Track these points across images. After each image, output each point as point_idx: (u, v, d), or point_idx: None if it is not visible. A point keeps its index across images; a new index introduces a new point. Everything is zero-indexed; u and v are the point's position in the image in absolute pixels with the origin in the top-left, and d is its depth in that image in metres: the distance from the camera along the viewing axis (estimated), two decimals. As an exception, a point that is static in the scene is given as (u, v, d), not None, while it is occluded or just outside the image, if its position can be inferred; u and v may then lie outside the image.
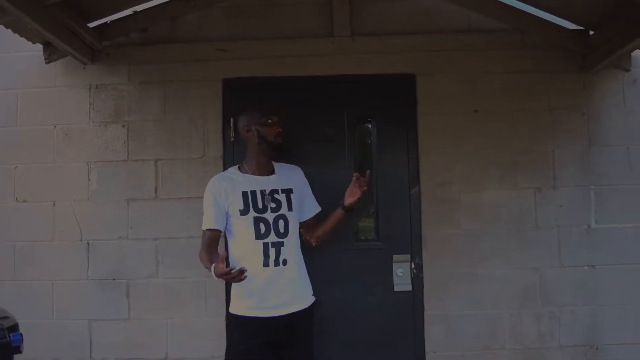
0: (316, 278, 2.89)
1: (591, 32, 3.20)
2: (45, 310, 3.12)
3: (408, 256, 3.18)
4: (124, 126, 3.23)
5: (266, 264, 2.61)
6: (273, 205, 2.67)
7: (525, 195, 3.20)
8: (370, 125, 3.31)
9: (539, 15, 3.19)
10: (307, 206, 2.86)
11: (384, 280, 3.18)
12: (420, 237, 3.19)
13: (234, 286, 2.66)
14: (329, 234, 2.90)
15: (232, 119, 3.15)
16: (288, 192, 2.74)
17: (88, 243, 3.17)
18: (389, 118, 3.26)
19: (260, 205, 2.66)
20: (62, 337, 3.11)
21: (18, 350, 2.12)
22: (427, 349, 3.15)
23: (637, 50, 3.09)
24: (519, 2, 3.14)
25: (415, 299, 3.17)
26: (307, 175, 2.96)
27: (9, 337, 2.07)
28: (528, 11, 3.18)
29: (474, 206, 3.19)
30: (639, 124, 3.25)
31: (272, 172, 2.78)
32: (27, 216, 3.19)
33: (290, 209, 2.71)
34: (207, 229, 2.69)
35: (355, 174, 2.79)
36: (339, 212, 2.84)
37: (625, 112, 3.26)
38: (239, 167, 2.78)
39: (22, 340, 2.12)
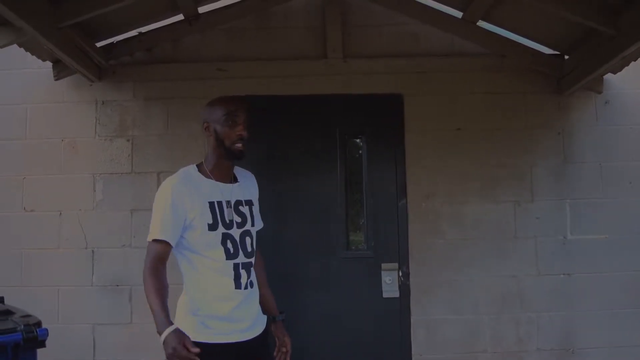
0: (308, 285, 3.06)
1: (566, 57, 3.43)
2: (51, 315, 3.20)
3: (396, 264, 3.36)
4: (128, 140, 3.40)
5: (238, 287, 2.19)
6: (238, 219, 2.23)
7: (505, 208, 3.39)
8: (360, 142, 3.51)
9: (518, 41, 3.42)
10: (256, 220, 2.39)
11: (373, 288, 3.35)
12: (407, 246, 3.37)
13: (190, 308, 2.20)
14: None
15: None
16: (250, 204, 2.32)
17: (93, 251, 3.32)
18: (378, 135, 3.46)
19: (227, 219, 2.20)
20: (67, 341, 3.22)
21: (43, 344, 2.29)
22: (413, 351, 3.32)
23: (609, 73, 3.30)
24: (498, 28, 3.38)
25: (402, 305, 3.35)
26: (302, 187, 3.14)
27: (36, 332, 2.25)
28: (507, 37, 3.41)
29: (457, 218, 3.39)
30: (610, 142, 3.46)
31: (235, 179, 2.32)
32: (34, 225, 3.34)
33: (253, 223, 2.30)
34: (159, 240, 2.12)
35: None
36: (272, 309, 2.43)
37: (597, 131, 3.47)
38: (197, 167, 2.27)
39: (47, 335, 2.29)
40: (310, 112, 3.44)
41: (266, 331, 2.35)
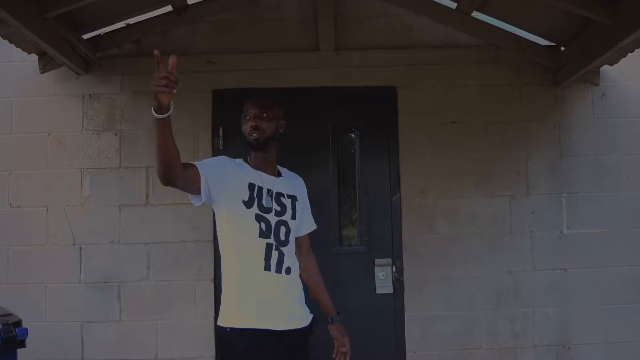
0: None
1: (562, 48, 3.37)
2: (38, 313, 3.18)
3: (389, 260, 3.32)
4: (116, 134, 3.34)
5: (267, 268, 2.19)
6: (278, 208, 2.30)
7: (500, 202, 3.35)
8: (353, 135, 3.46)
9: (513, 32, 3.36)
10: (305, 221, 2.47)
11: (366, 283, 3.31)
12: (401, 241, 3.33)
13: (229, 296, 2.21)
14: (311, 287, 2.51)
15: (221, 128, 3.29)
16: (293, 198, 2.39)
17: (81, 247, 3.26)
18: (372, 128, 3.41)
19: (265, 204, 2.26)
20: (55, 339, 3.18)
21: (23, 344, 2.23)
22: (407, 348, 3.28)
23: (606, 65, 3.26)
24: (493, 19, 3.32)
25: (396, 300, 3.31)
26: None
27: (15, 331, 2.19)
28: (502, 28, 3.35)
29: (452, 212, 3.34)
30: (607, 135, 3.42)
31: (278, 174, 2.42)
32: (21, 221, 3.28)
33: (293, 217, 2.35)
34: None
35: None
36: (328, 309, 2.53)
37: (594, 124, 3.43)
38: (244, 159, 2.39)
39: (27, 334, 2.23)
40: (303, 106, 3.37)
41: (309, 331, 2.35)
